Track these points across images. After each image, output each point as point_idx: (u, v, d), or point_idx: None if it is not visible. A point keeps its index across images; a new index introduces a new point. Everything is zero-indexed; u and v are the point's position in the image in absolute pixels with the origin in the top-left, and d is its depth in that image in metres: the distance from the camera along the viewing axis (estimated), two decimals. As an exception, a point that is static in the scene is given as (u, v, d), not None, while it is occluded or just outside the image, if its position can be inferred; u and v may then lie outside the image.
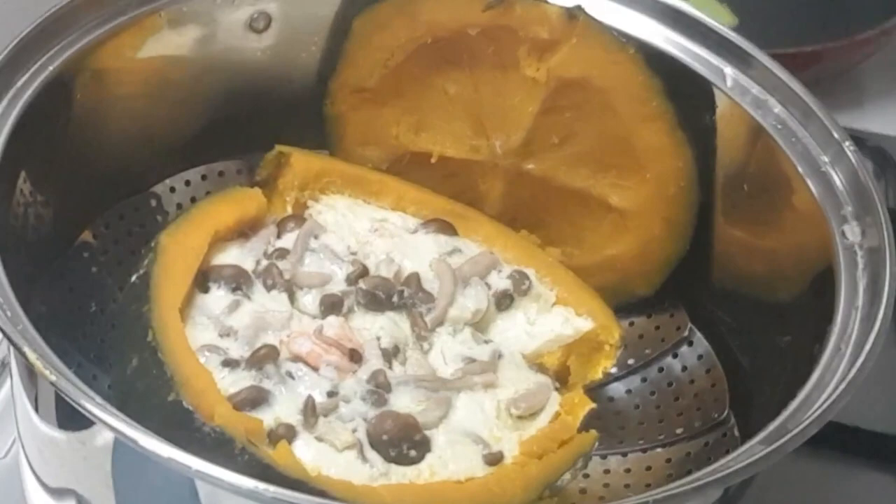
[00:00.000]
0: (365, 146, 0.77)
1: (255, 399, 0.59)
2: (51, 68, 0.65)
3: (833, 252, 0.62)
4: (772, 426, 0.54)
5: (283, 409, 0.59)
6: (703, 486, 0.51)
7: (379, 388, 0.61)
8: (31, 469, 0.62)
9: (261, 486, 0.47)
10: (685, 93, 0.71)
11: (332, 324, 0.64)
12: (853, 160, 0.65)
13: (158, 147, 0.74)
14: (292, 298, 0.66)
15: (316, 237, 0.69)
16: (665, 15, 0.72)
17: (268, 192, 0.72)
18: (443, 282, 0.67)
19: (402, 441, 0.59)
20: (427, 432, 0.60)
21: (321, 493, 0.53)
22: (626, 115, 0.71)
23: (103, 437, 0.54)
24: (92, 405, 0.50)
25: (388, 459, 0.59)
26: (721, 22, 0.72)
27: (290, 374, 0.61)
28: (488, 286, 0.68)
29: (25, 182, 0.64)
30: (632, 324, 0.75)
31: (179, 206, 0.76)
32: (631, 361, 0.74)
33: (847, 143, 0.65)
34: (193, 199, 0.76)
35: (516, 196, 0.76)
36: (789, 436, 0.52)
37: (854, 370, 0.55)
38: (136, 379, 0.60)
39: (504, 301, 0.68)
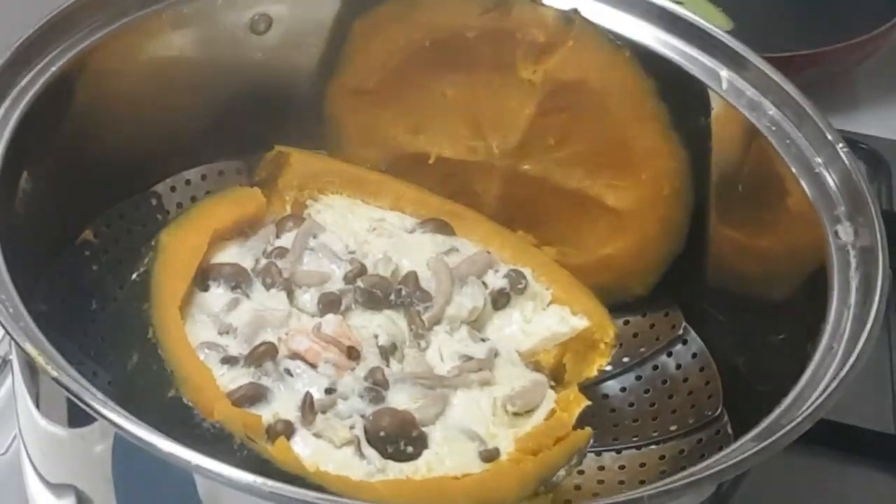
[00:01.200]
0: (364, 147, 0.77)
1: (254, 396, 0.59)
2: (53, 69, 0.65)
3: (826, 252, 0.62)
4: (765, 423, 0.55)
5: (281, 405, 0.59)
6: (696, 481, 0.51)
7: (376, 386, 0.61)
8: (31, 465, 0.63)
9: (259, 480, 0.48)
10: (680, 95, 0.71)
11: (331, 322, 0.64)
12: (846, 162, 0.65)
13: (159, 147, 0.74)
14: (291, 297, 0.66)
15: (315, 236, 0.69)
16: (661, 18, 0.73)
17: (267, 191, 0.72)
18: (440, 280, 0.68)
19: (399, 437, 0.59)
20: (424, 429, 0.60)
21: (319, 489, 0.53)
22: (622, 116, 0.71)
23: (104, 433, 0.54)
24: (93, 401, 0.50)
25: (386, 456, 0.59)
26: (716, 26, 0.72)
27: (288, 372, 0.61)
28: (485, 285, 0.69)
29: (28, 181, 0.64)
30: (627, 322, 0.76)
31: (180, 205, 0.76)
32: (626, 359, 0.75)
33: (840, 145, 0.66)
34: (194, 199, 0.76)
35: (513, 196, 0.76)
36: (782, 432, 0.52)
37: (846, 368, 0.56)
38: (136, 375, 0.60)
39: (500, 300, 0.69)
